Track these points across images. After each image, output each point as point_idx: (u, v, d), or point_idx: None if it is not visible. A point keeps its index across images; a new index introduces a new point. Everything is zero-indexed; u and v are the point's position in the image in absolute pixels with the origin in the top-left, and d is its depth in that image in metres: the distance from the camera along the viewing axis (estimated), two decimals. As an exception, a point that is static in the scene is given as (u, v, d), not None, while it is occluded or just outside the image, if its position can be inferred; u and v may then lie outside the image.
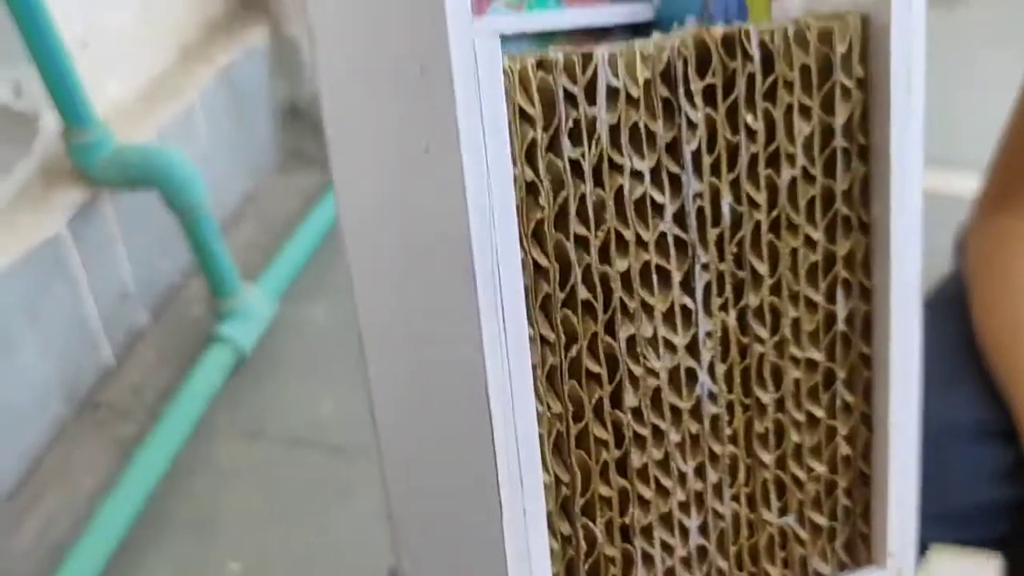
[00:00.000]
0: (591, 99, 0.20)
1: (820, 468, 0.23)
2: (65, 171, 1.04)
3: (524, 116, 0.19)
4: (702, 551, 0.22)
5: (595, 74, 0.20)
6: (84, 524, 0.94)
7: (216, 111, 1.28)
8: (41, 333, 1.00)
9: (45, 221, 0.99)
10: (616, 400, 0.21)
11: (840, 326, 0.23)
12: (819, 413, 0.23)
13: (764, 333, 0.22)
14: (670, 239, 0.21)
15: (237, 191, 1.40)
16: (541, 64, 0.19)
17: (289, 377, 1.16)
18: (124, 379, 1.14)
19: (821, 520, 0.23)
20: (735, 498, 0.22)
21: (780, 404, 0.23)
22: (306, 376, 1.17)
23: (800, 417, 0.23)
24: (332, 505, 1.02)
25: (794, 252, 0.22)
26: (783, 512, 0.23)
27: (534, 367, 0.20)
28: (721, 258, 0.22)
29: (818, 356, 0.23)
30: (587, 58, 0.20)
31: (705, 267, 0.22)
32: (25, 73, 0.97)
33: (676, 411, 0.22)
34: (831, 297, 0.23)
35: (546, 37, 0.24)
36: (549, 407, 0.20)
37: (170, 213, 1.07)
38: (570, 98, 0.20)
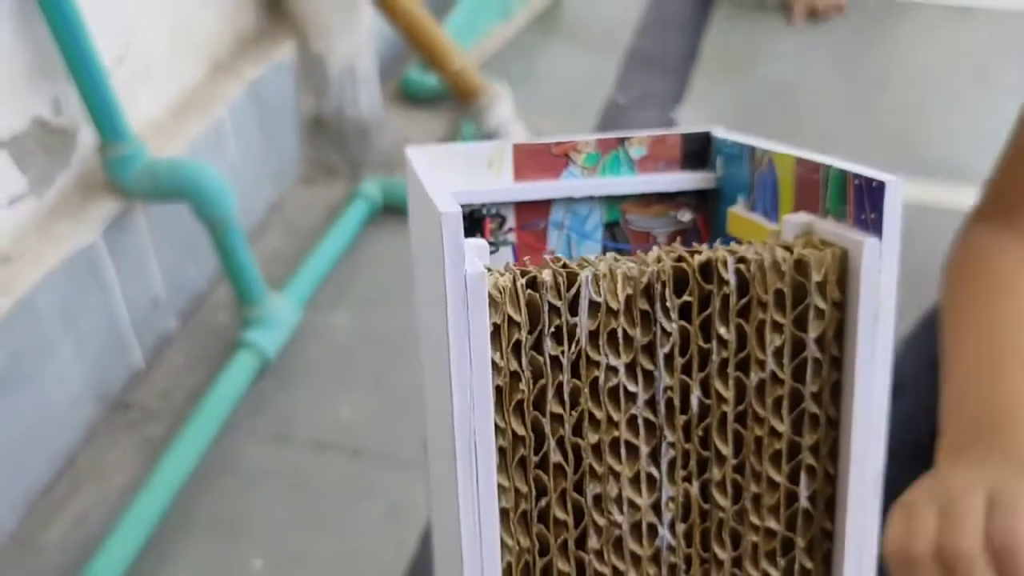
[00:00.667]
0: (573, 311, 0.23)
1: None
2: (100, 183, 1.09)
3: (512, 322, 0.22)
4: None
5: (578, 291, 0.23)
6: (114, 520, 0.99)
7: (244, 124, 1.33)
8: (76, 338, 1.04)
9: (81, 231, 1.04)
10: (580, 543, 0.24)
11: (803, 503, 0.25)
12: (775, 574, 0.25)
13: (725, 503, 0.25)
14: (640, 420, 0.24)
15: (263, 201, 1.45)
16: (530, 284, 0.23)
17: (312, 382, 1.20)
18: (153, 382, 1.18)
19: None
20: None
21: (737, 562, 0.25)
22: (328, 382, 1.21)
23: (757, 575, 0.25)
24: (352, 506, 1.06)
25: (759, 439, 0.24)
26: None
27: (508, 510, 0.23)
28: (687, 439, 0.24)
29: (777, 527, 0.25)
30: (572, 277, 0.23)
31: (672, 445, 0.24)
32: (64, 90, 1.02)
33: (636, 557, 0.24)
34: (794, 479, 0.25)
35: (617, 200, 0.26)
36: (519, 542, 0.23)
37: (200, 224, 1.11)
38: (554, 310, 0.23)
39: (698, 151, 0.28)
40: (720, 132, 0.30)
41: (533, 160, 0.28)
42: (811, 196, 0.24)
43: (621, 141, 0.29)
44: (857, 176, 0.23)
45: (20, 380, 0.97)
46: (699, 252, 0.24)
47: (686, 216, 0.30)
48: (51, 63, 0.99)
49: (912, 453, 0.87)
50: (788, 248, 0.23)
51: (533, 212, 0.29)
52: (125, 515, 0.98)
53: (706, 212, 0.31)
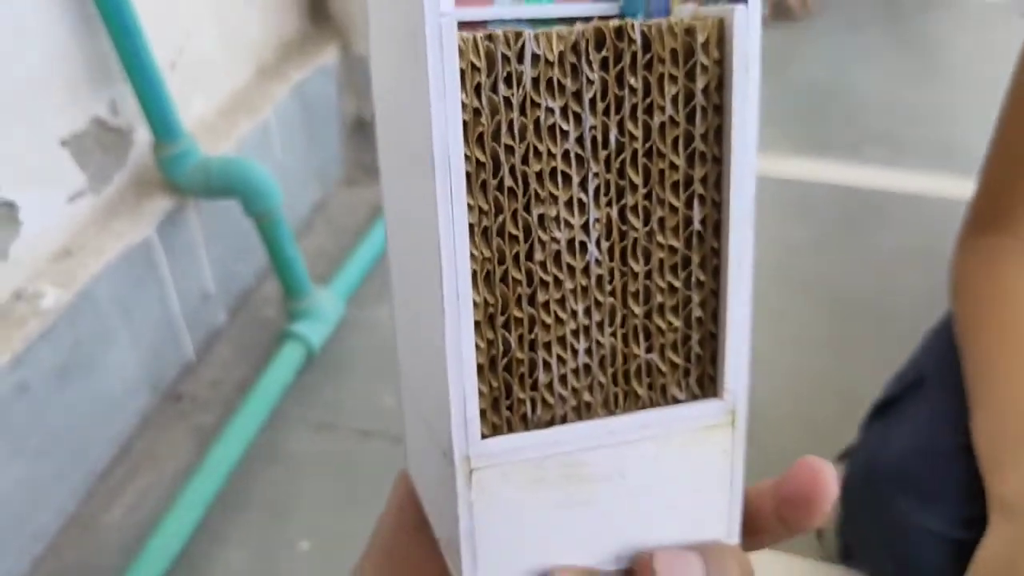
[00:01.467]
0: (520, 61, 0.29)
1: (678, 323, 0.32)
2: (155, 181, 1.14)
3: (475, 68, 0.28)
4: (587, 368, 0.31)
5: (523, 46, 0.29)
6: (168, 504, 1.03)
7: (289, 125, 1.37)
8: (132, 329, 1.09)
9: (138, 227, 1.09)
10: (529, 255, 0.30)
11: (696, 226, 0.31)
12: (678, 284, 0.32)
13: (638, 224, 0.31)
14: (572, 154, 0.30)
15: (308, 201, 1.49)
16: (489, 38, 0.29)
17: (355, 373, 1.24)
18: (204, 373, 1.23)
19: (678, 360, 0.32)
20: (613, 335, 0.31)
21: (648, 274, 0.32)
22: (371, 373, 1.24)
23: (663, 285, 0.32)
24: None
25: (661, 172, 0.31)
26: (649, 350, 0.32)
27: (472, 225, 0.29)
28: (608, 171, 0.30)
29: (678, 245, 0.31)
30: (518, 35, 0.29)
31: (596, 175, 0.30)
32: (120, 92, 1.07)
33: (571, 268, 0.31)
34: (689, 206, 0.31)
35: (539, 23, 0.32)
36: (483, 253, 0.29)
37: (248, 221, 1.16)
38: (506, 59, 0.29)
39: None
40: None
41: None
42: None
43: None
44: None
45: (81, 369, 1.02)
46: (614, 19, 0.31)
47: None
48: (109, 66, 1.04)
49: (940, 450, 0.88)
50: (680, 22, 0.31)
51: None
52: (179, 498, 1.02)
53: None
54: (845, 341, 1.28)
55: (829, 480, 0.33)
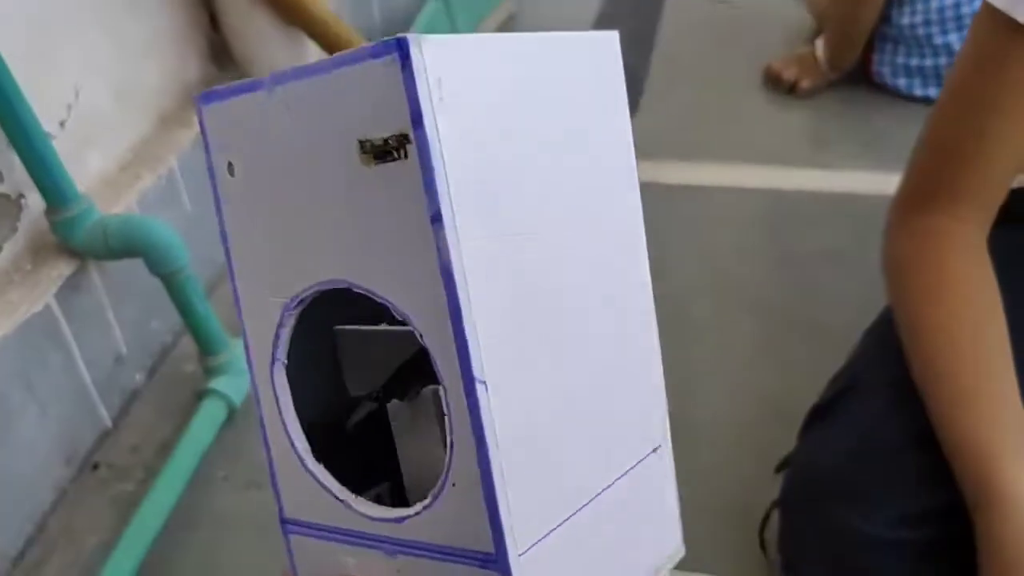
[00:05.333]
0: None
1: None
2: (51, 245, 1.09)
3: None
4: None
5: None
6: (89, 582, 0.99)
7: (197, 174, 1.34)
8: (39, 402, 1.05)
9: (34, 295, 1.04)
10: None
11: None
12: None
13: None
14: None
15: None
16: None
17: (281, 425, 1.20)
18: (122, 439, 1.18)
19: None
20: None
21: None
22: (297, 423, 1.21)
23: None
24: (326, 547, 1.06)
25: None
26: None
27: None
28: None
29: None
30: None
31: None
32: (6, 158, 1.03)
33: None
34: None
35: None
36: None
37: (155, 277, 1.12)
38: None
39: None
40: None
41: None
42: None
43: None
44: None
45: (-18, 450, 0.97)
46: None
47: None
48: (-10, 133, 1.00)
49: (877, 451, 0.87)
50: None
51: None
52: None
53: None
54: (777, 349, 1.26)
55: None
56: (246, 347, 0.31)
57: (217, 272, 1.42)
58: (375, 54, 0.25)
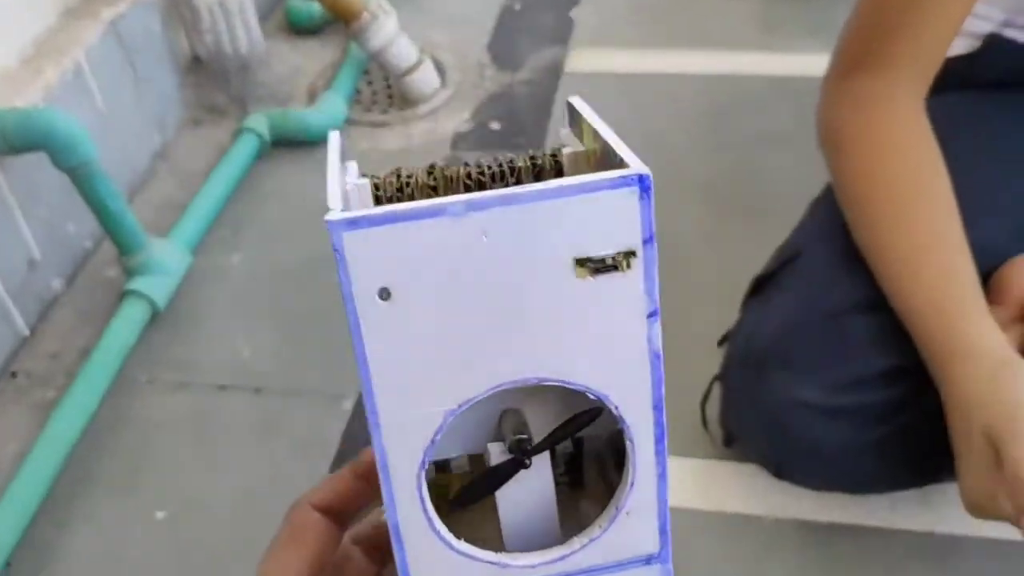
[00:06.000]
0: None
1: None
2: (-54, 142, 1.02)
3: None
4: None
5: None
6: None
7: (108, 69, 1.26)
8: (-58, 307, 0.99)
9: (-71, 194, 0.98)
10: None
11: None
12: None
13: None
14: None
15: (147, 149, 1.38)
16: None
17: (209, 326, 1.16)
18: (40, 346, 1.13)
19: None
20: None
21: None
22: (226, 324, 1.16)
23: None
24: (258, 444, 1.02)
25: None
26: None
27: None
28: None
29: None
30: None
31: None
32: None
33: None
34: None
35: None
36: None
37: (61, 173, 1.05)
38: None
39: None
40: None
41: None
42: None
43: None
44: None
45: None
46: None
47: None
48: None
49: (814, 320, 0.85)
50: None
51: None
52: (14, 481, 0.94)
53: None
54: (722, 231, 1.23)
55: None
56: (382, 460, 0.32)
57: (138, 176, 1.35)
58: (613, 185, 0.29)
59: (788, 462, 0.86)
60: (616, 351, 0.32)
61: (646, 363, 0.32)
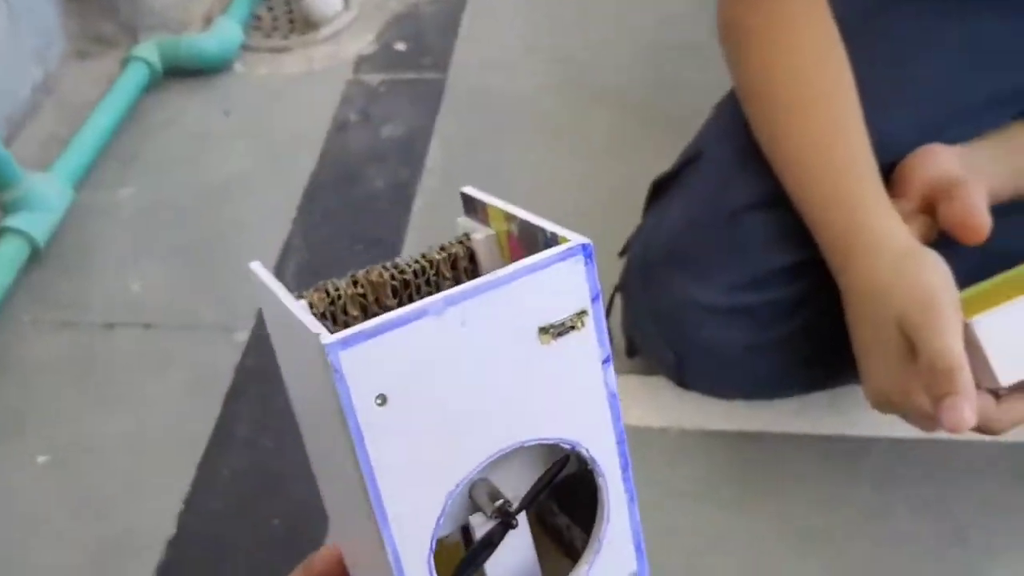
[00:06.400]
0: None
1: None
2: None
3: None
4: None
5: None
6: None
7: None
8: None
9: None
10: None
11: None
12: None
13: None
14: None
15: (27, 82, 1.30)
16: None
17: (96, 263, 1.10)
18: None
19: None
20: None
21: None
22: (114, 260, 1.10)
23: None
24: (149, 382, 0.97)
25: None
26: None
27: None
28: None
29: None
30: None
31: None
32: None
33: None
34: None
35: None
36: None
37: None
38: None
39: None
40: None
41: None
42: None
43: None
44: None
45: None
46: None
47: None
48: None
49: (709, 221, 0.82)
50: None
51: None
52: None
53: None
54: (631, 141, 1.19)
55: None
56: (393, 552, 0.33)
57: (19, 112, 1.28)
58: (562, 257, 0.32)
59: (689, 368, 0.83)
60: (580, 400, 0.35)
61: (606, 404, 0.35)
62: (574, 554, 0.40)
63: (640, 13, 1.42)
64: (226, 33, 1.37)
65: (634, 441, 0.88)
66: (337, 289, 0.38)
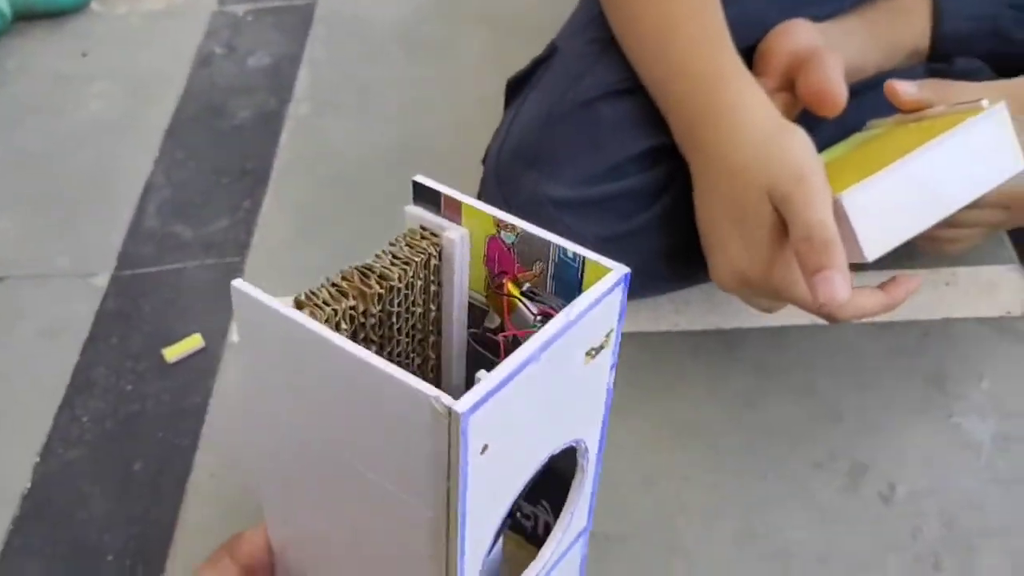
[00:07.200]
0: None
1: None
2: None
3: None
4: None
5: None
6: None
7: None
8: None
9: None
10: None
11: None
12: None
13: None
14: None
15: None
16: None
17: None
18: None
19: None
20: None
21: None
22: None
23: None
24: (1, 335, 0.92)
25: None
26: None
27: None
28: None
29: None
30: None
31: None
32: None
33: None
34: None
35: None
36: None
37: None
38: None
39: None
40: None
41: None
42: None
43: None
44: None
45: None
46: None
47: None
48: None
49: (557, 116, 0.79)
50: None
51: None
52: None
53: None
54: (504, 55, 1.15)
55: None
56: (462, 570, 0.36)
57: None
58: (610, 290, 0.37)
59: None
60: (596, 401, 0.40)
61: (604, 399, 0.40)
62: (536, 540, 0.44)
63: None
64: (80, -28, 1.30)
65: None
66: (328, 304, 0.38)
